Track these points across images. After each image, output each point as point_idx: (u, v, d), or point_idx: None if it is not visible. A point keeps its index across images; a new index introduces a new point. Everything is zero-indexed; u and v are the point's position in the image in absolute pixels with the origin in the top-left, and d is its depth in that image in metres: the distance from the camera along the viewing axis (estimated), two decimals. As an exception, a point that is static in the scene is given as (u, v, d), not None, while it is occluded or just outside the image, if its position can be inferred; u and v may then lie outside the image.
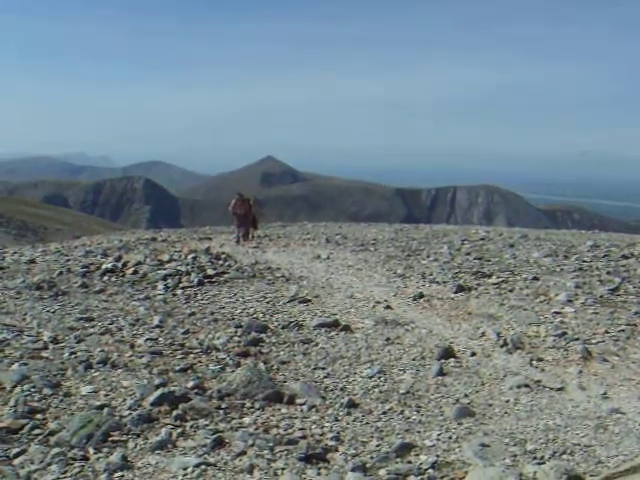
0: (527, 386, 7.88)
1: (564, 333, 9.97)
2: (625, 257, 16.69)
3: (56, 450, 5.71)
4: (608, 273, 14.41)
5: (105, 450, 5.83)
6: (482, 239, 20.97)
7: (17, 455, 5.64)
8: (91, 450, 5.81)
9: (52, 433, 6.09)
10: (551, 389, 7.85)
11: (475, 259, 16.56)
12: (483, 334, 10.20)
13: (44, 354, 8.61)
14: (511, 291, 12.92)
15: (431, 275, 14.65)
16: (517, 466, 5.63)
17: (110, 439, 6.06)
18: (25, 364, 8.01)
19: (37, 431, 6.14)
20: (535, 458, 5.84)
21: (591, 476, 5.34)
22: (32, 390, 7.14)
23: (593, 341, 9.66)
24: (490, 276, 14.30)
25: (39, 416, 6.51)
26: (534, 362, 8.91)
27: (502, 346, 9.55)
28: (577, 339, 9.70)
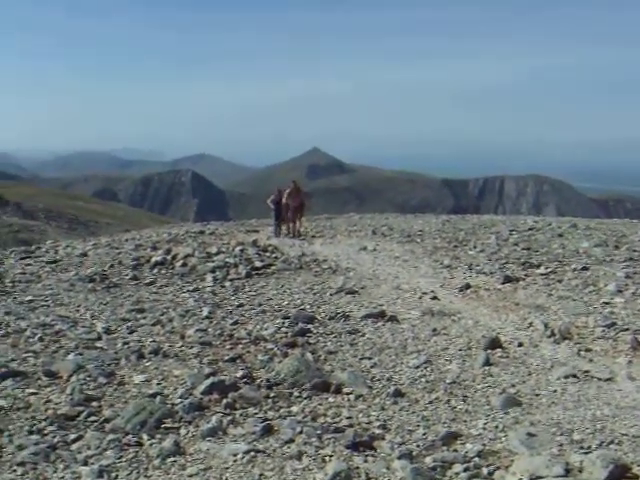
0: (575, 376, 7.79)
1: (613, 323, 9.82)
2: (678, 246, 16.36)
3: (111, 436, 5.92)
4: (660, 263, 14.16)
5: (158, 436, 6.03)
6: (530, 229, 20.72)
7: (74, 441, 5.88)
8: (145, 436, 6.01)
9: (107, 420, 6.33)
10: (599, 379, 7.75)
11: (523, 249, 16.41)
12: (530, 325, 10.12)
13: (98, 344, 8.90)
14: (559, 281, 12.78)
15: (478, 266, 14.57)
16: (563, 455, 5.61)
17: (163, 426, 6.26)
18: (80, 354, 8.30)
19: (93, 418, 6.38)
20: (582, 448, 5.79)
21: (638, 466, 5.31)
22: (87, 379, 7.40)
23: (643, 331, 9.53)
24: (538, 266, 14.15)
25: (94, 404, 6.76)
26: (582, 352, 8.80)
27: (550, 336, 9.46)
28: (627, 329, 9.55)
